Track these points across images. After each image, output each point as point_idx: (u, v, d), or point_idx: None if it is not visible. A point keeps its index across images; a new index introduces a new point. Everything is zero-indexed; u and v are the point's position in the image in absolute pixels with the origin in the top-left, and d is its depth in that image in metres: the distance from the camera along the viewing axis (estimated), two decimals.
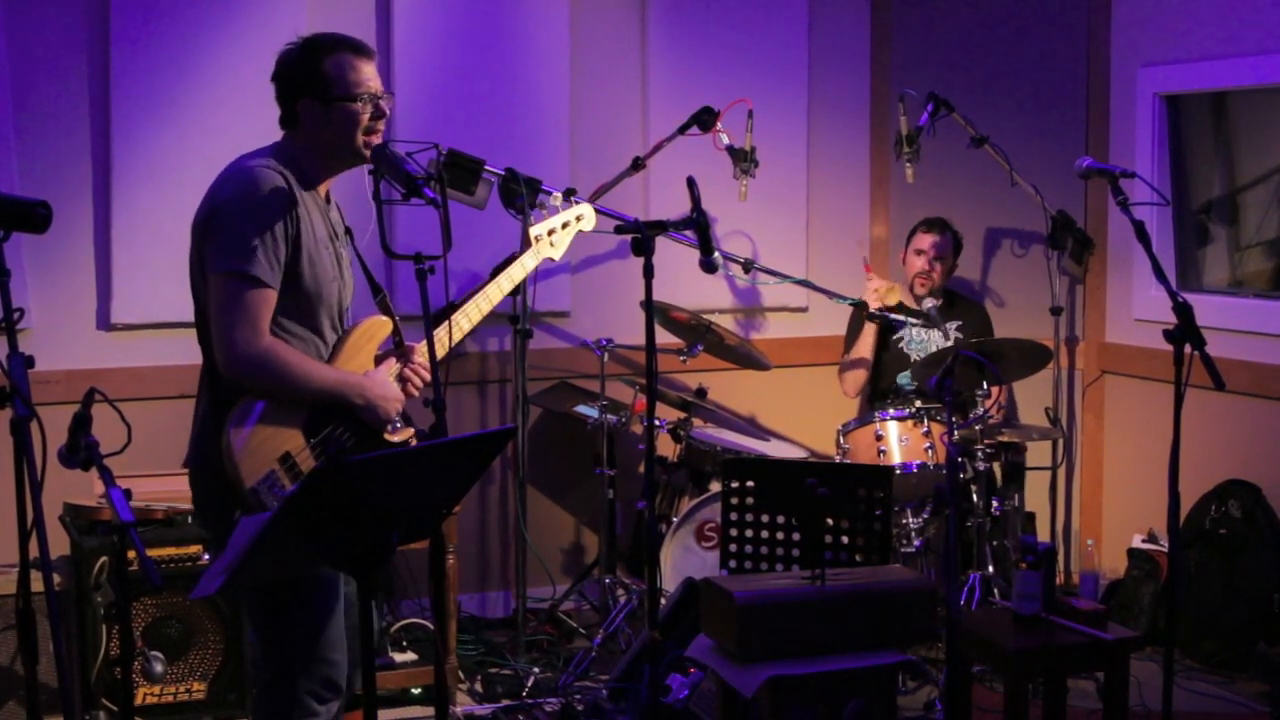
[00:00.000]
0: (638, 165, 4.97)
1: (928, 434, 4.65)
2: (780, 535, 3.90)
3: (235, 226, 2.79)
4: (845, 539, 3.83)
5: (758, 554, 3.92)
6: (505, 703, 4.34)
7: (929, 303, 5.05)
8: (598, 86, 5.27)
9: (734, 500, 3.93)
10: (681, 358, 4.85)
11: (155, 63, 4.58)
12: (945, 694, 3.77)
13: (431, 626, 4.46)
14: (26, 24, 4.47)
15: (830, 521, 3.83)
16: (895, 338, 5.23)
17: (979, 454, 4.64)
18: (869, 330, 5.18)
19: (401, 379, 3.03)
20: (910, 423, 4.70)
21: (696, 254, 3.45)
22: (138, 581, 3.62)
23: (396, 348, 3.06)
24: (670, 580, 4.47)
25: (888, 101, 5.56)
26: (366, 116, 2.91)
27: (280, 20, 4.59)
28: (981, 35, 5.65)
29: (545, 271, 4.80)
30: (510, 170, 4.60)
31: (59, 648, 2.42)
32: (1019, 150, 5.19)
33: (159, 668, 3.92)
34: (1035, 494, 5.28)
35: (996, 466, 5.05)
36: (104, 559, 3.89)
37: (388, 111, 2.97)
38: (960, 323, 5.19)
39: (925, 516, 4.70)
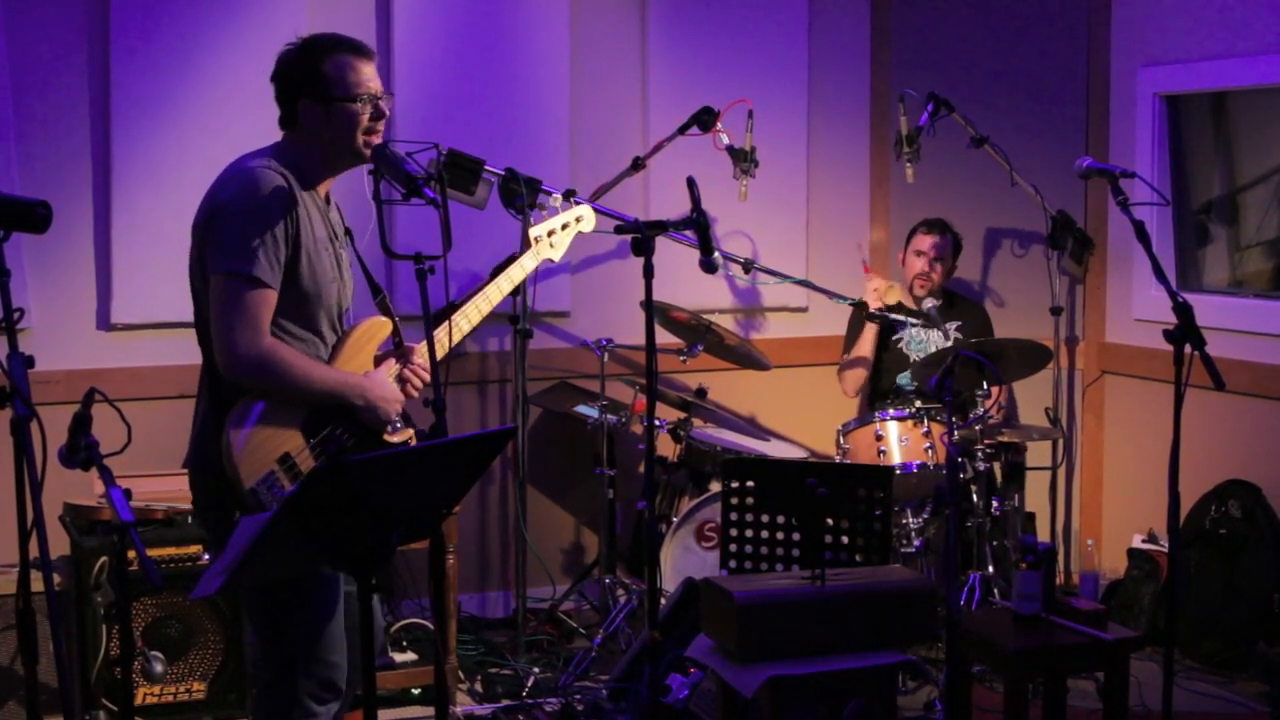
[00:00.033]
0: (638, 165, 4.97)
1: (928, 434, 4.65)
2: (780, 535, 3.90)
3: (236, 227, 2.79)
4: (845, 539, 3.83)
5: (758, 554, 3.92)
6: (505, 703, 4.34)
7: (929, 303, 5.05)
8: (598, 86, 5.27)
9: (734, 500, 3.93)
10: (681, 358, 4.85)
11: (155, 63, 4.58)
12: (945, 694, 3.77)
13: (431, 626, 4.46)
14: (26, 24, 4.47)
15: (830, 521, 3.83)
16: (895, 338, 5.23)
17: (979, 454, 4.64)
18: (869, 330, 5.17)
19: (401, 380, 3.03)
20: (910, 423, 4.70)
21: (696, 254, 3.45)
22: (138, 581, 3.62)
23: (396, 348, 3.06)
24: (670, 580, 4.47)
25: (888, 101, 5.56)
26: (366, 117, 2.91)
27: (280, 20, 4.59)
28: (981, 35, 5.65)
29: (545, 271, 4.80)
30: (510, 170, 4.60)
31: (59, 648, 2.42)
32: (1019, 150, 5.19)
33: (159, 668, 3.92)
34: (1035, 494, 5.28)
35: (996, 466, 5.05)
36: (104, 559, 3.89)
37: (387, 112, 2.97)
38: (960, 323, 5.19)
39: (925, 516, 4.70)
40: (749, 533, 3.92)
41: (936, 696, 4.21)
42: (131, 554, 2.45)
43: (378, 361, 3.04)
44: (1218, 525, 4.79)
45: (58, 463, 2.52)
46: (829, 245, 5.65)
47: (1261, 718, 4.33)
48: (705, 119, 4.94)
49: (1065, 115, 5.64)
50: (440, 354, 2.92)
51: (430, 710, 4.23)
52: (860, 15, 5.66)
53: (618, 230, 3.40)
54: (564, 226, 3.73)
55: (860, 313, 5.19)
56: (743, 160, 5.02)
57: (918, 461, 4.62)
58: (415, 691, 4.31)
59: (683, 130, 4.96)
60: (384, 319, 3.05)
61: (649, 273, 3.23)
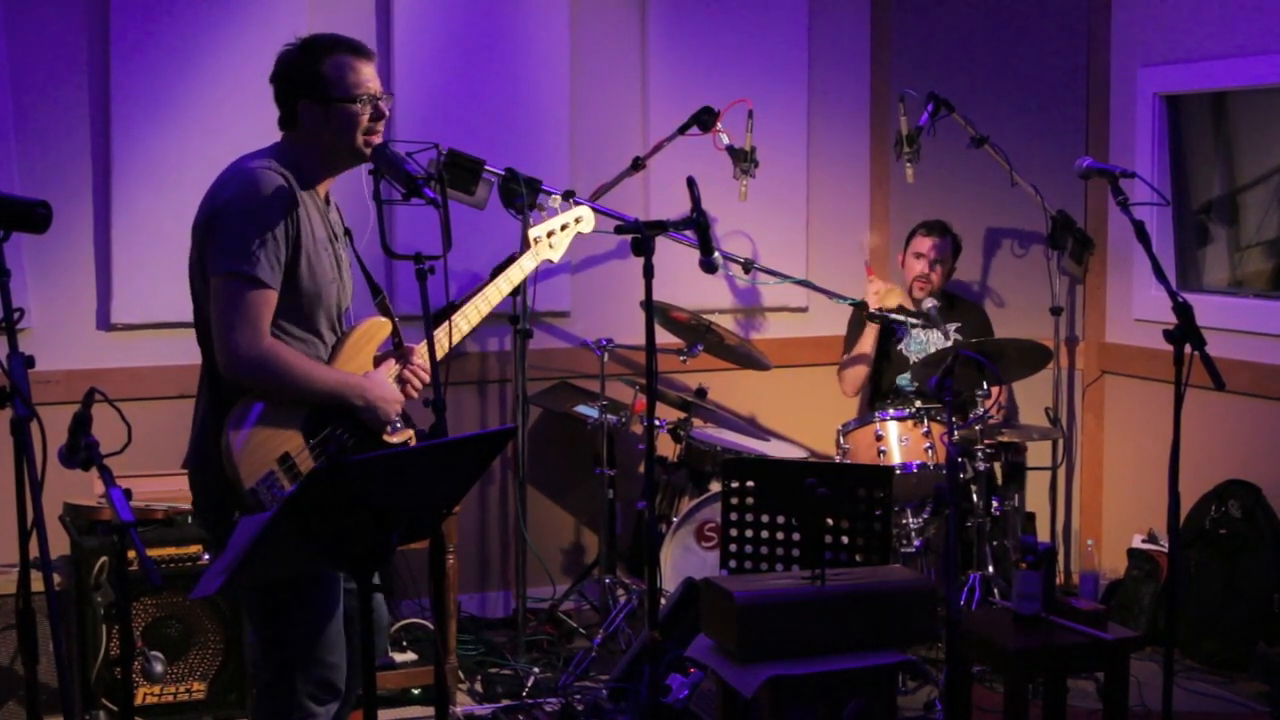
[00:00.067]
0: (638, 165, 4.97)
1: (928, 434, 4.65)
2: (780, 535, 3.90)
3: (236, 227, 2.79)
4: (845, 539, 3.83)
5: (758, 554, 3.92)
6: (505, 703, 4.34)
7: (929, 303, 5.04)
8: (598, 86, 5.27)
9: (734, 500, 3.93)
10: (681, 358, 4.85)
11: (155, 63, 4.58)
12: (945, 694, 3.77)
13: (431, 626, 4.46)
14: (26, 24, 4.47)
15: (830, 521, 3.83)
16: (894, 340, 5.23)
17: (979, 454, 4.64)
18: (870, 329, 5.17)
19: (401, 380, 3.03)
20: (910, 423, 4.70)
21: (696, 254, 3.45)
22: (138, 581, 3.63)
23: (396, 349, 3.06)
24: (670, 580, 4.46)
25: (888, 101, 5.56)
26: (366, 117, 2.91)
27: (280, 20, 4.59)
28: (981, 35, 5.65)
29: (545, 271, 4.80)
30: (510, 170, 4.60)
31: (59, 648, 2.42)
32: (1019, 150, 5.19)
33: (159, 668, 3.92)
34: (1035, 494, 5.28)
35: (996, 466, 5.05)
36: (104, 559, 3.89)
37: (387, 112, 2.97)
38: (960, 324, 5.18)
39: (925, 516, 4.70)
40: (749, 533, 3.93)
41: (936, 696, 4.21)
42: (131, 554, 2.45)
43: (377, 362, 3.04)
44: (1218, 525, 4.79)
45: (58, 463, 2.52)
46: (829, 245, 5.65)
47: (1261, 718, 4.33)
48: (705, 119, 4.94)
49: (1065, 115, 5.64)
50: (440, 354, 2.92)
51: (430, 710, 4.23)
52: (860, 15, 5.66)
53: (618, 230, 3.40)
54: (563, 227, 3.74)
55: (860, 313, 5.19)
56: (743, 160, 5.02)
57: (918, 461, 4.62)
58: (415, 691, 4.31)
59: (683, 130, 4.96)
60: (384, 319, 3.05)
61: (649, 273, 3.23)
